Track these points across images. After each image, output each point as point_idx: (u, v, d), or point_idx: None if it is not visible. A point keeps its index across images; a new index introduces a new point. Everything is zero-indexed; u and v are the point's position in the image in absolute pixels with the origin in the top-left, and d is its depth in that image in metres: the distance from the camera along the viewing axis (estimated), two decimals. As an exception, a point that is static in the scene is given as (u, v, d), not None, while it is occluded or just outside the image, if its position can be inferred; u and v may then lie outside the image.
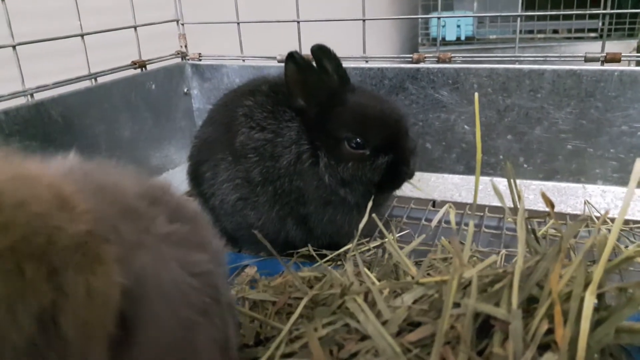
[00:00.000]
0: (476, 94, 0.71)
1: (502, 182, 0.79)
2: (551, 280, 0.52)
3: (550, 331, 0.51)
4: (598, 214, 1.15)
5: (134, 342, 0.43)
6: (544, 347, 0.50)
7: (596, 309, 0.50)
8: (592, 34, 3.49)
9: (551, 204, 0.61)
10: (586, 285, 0.49)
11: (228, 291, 0.61)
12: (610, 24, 3.34)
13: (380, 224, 0.82)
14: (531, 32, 3.64)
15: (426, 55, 1.28)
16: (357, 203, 0.97)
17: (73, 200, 0.42)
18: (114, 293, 0.41)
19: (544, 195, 0.60)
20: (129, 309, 0.42)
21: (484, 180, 1.26)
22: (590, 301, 0.48)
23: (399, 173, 0.96)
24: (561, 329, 0.48)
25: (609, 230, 1.07)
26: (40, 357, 0.38)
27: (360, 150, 0.94)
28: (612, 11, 1.30)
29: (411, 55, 1.29)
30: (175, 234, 0.51)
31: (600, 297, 0.51)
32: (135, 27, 1.33)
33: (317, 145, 0.96)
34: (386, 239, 0.91)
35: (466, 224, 1.19)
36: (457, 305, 0.56)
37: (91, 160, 0.55)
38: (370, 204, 0.90)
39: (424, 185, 1.31)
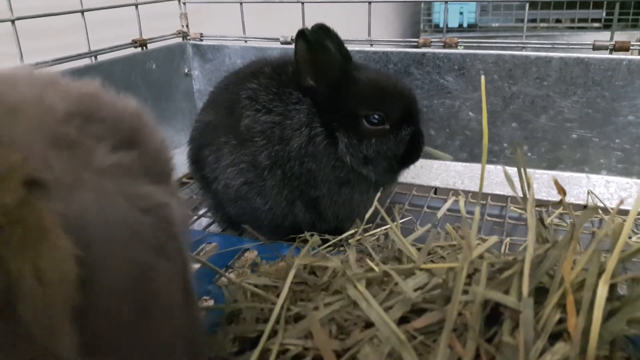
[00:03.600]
0: (482, 77, 0.70)
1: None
2: (564, 268, 0.51)
3: (560, 320, 0.50)
4: (601, 204, 1.14)
5: (86, 291, 0.38)
6: (554, 337, 0.49)
7: (608, 299, 0.49)
8: (596, 24, 3.46)
9: (563, 191, 0.60)
10: (599, 275, 0.48)
11: (183, 220, 0.54)
12: (613, 14, 3.31)
13: (382, 211, 0.81)
14: (534, 20, 3.61)
15: (432, 40, 1.26)
16: (378, 181, 0.98)
17: None
18: (69, 266, 0.36)
19: (556, 183, 0.59)
20: (83, 258, 0.37)
21: (487, 167, 1.25)
22: (603, 291, 0.47)
23: (419, 144, 0.98)
24: (574, 319, 0.47)
25: (613, 222, 1.06)
26: (3, 340, 0.35)
27: (380, 125, 0.94)
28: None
29: (417, 40, 1.27)
30: (120, 165, 0.44)
31: (612, 287, 0.50)
32: (136, 5, 1.31)
33: (334, 125, 0.95)
34: (389, 226, 0.90)
35: (468, 212, 1.19)
36: (464, 292, 0.55)
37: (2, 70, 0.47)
38: (378, 195, 0.90)
39: (425, 172, 1.30)
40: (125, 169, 0.44)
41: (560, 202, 0.59)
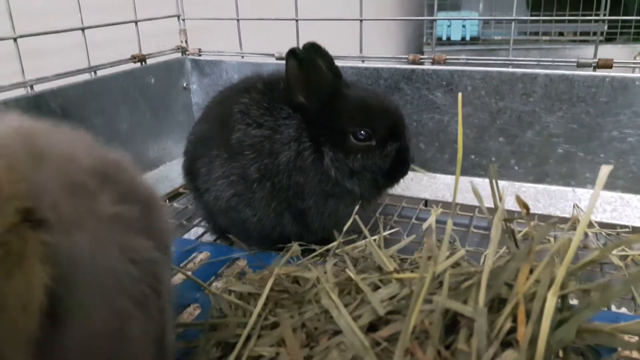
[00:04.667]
0: (460, 94, 0.73)
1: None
2: (518, 280, 0.54)
3: (514, 330, 0.53)
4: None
5: (63, 329, 0.40)
6: (507, 345, 0.52)
7: (558, 310, 0.52)
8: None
9: (525, 207, 0.63)
10: (550, 287, 0.51)
11: (170, 279, 0.58)
12: (615, 27, 3.34)
13: (362, 225, 0.84)
14: (536, 33, 3.64)
15: (421, 57, 1.30)
16: (362, 195, 1.01)
17: (2, 180, 0.38)
18: (35, 296, 0.37)
19: (518, 199, 0.62)
20: (60, 295, 0.39)
21: (475, 180, 1.28)
22: (552, 302, 0.49)
23: (405, 160, 1.01)
24: (523, 328, 0.50)
25: (596, 235, 1.08)
26: None
27: (367, 141, 0.97)
28: (612, 17, 1.31)
29: (407, 56, 1.31)
30: (121, 216, 0.47)
31: (563, 298, 0.53)
32: (136, 22, 1.35)
33: (321, 140, 0.98)
34: (374, 237, 0.93)
35: (455, 224, 1.21)
36: (429, 301, 0.58)
37: (40, 121, 0.50)
38: (357, 208, 0.93)
39: (415, 184, 1.33)
40: (125, 221, 0.47)
41: (527, 214, 0.62)
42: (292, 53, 0.96)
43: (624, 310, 0.90)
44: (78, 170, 0.46)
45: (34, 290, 0.37)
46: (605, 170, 0.50)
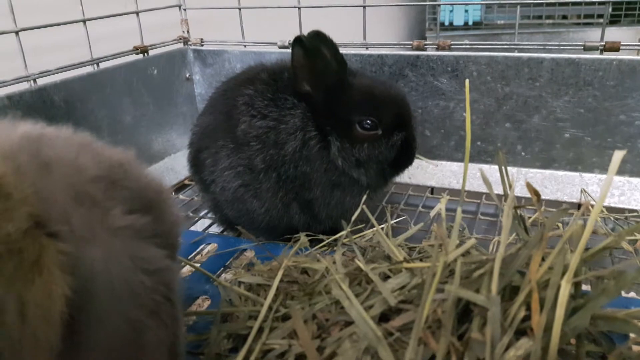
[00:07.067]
0: (467, 81, 0.72)
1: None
2: (531, 268, 0.53)
3: (528, 318, 0.52)
4: (594, 202, 1.16)
5: (78, 342, 0.39)
6: (521, 333, 0.52)
7: (572, 297, 0.51)
8: (601, 20, 3.45)
9: (536, 194, 0.62)
10: (563, 274, 0.51)
11: (180, 285, 0.58)
12: (620, 9, 3.31)
13: (369, 215, 0.84)
14: (540, 17, 3.60)
15: (426, 43, 1.28)
16: (369, 184, 1.01)
17: (10, 185, 0.37)
18: (56, 306, 0.36)
19: (529, 185, 0.62)
20: (75, 308, 0.39)
21: (482, 167, 1.27)
22: (565, 289, 0.49)
23: (411, 149, 1.01)
24: (537, 316, 0.49)
25: (604, 219, 1.08)
26: None
27: (373, 131, 0.97)
28: (617, -2, 1.29)
29: (411, 43, 1.30)
30: (132, 227, 0.47)
31: (576, 285, 0.53)
32: (137, 13, 1.34)
33: (327, 130, 0.97)
34: (381, 226, 0.92)
35: (462, 211, 1.21)
36: (441, 290, 0.58)
37: (46, 127, 0.50)
38: (364, 197, 0.93)
39: (421, 172, 1.32)
40: (136, 231, 0.47)
41: (537, 201, 0.61)
42: (298, 41, 0.95)
43: (632, 294, 0.90)
44: (85, 181, 0.46)
45: (54, 299, 0.36)
46: (618, 155, 0.49)
